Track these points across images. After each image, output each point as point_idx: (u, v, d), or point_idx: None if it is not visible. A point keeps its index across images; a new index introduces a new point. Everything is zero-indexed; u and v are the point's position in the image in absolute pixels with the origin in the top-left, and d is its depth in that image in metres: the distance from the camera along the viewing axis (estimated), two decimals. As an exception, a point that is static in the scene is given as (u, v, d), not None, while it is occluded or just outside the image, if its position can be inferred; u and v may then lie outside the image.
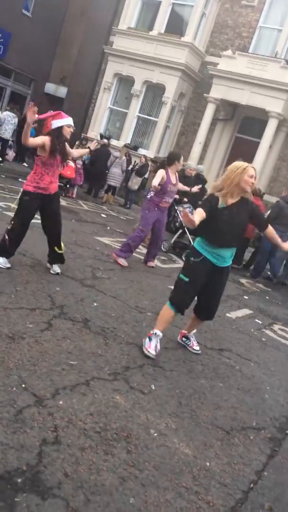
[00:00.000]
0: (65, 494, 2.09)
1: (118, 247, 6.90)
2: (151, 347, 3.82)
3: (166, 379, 3.54)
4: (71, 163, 11.71)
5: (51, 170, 4.69)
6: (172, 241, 9.24)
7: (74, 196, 12.27)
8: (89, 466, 2.32)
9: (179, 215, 8.92)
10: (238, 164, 3.67)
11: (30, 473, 2.14)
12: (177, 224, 9.39)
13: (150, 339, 3.88)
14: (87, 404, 2.83)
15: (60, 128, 4.62)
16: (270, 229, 3.91)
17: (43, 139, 4.55)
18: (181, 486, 2.42)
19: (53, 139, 4.57)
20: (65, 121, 4.63)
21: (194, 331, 4.35)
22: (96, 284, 5.27)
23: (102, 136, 16.64)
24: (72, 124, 4.73)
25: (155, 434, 2.79)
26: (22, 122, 14.87)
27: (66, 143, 4.84)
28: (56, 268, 5.11)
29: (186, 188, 7.32)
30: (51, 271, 5.07)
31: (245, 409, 3.53)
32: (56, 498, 2.06)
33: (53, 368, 3.12)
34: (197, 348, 4.32)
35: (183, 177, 9.53)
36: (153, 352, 3.79)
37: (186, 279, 3.82)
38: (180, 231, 9.19)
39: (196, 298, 4.05)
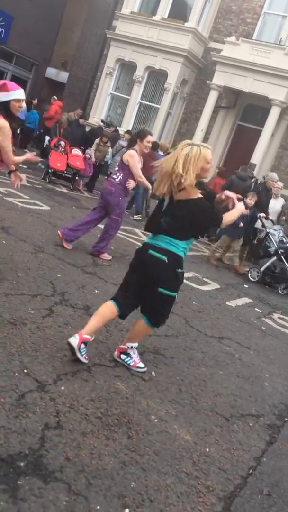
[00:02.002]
0: (67, 478, 2.12)
1: (95, 244, 6.06)
2: (137, 361, 3.39)
3: (166, 366, 3.57)
4: (79, 152, 11.06)
5: None
6: (263, 269, 7.89)
7: (80, 188, 11.57)
8: (91, 450, 2.35)
9: (272, 238, 7.83)
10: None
11: (32, 457, 2.17)
12: (269, 249, 7.94)
13: (128, 355, 3.37)
14: (89, 390, 2.86)
15: (7, 104, 3.71)
16: None
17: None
18: (181, 471, 2.45)
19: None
20: (12, 95, 3.70)
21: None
22: (97, 271, 5.28)
23: (103, 122, 16.53)
24: (23, 97, 3.79)
25: (156, 420, 2.82)
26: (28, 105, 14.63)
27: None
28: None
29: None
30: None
31: (244, 396, 3.56)
32: (58, 481, 2.09)
33: (54, 354, 3.14)
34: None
35: (265, 190, 9.04)
36: (143, 365, 3.39)
37: (176, 294, 3.22)
38: (274, 258, 7.85)
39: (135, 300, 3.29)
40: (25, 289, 4.05)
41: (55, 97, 15.09)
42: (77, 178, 11.19)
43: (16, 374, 2.76)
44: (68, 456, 2.25)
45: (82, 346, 3.08)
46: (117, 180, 5.83)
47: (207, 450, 2.72)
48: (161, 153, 11.08)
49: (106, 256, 6.11)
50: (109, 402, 2.82)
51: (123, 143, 12.92)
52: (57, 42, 19.66)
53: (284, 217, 9.67)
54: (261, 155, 13.79)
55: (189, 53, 15.32)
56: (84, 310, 4.06)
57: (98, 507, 2.03)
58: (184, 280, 6.23)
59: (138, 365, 3.37)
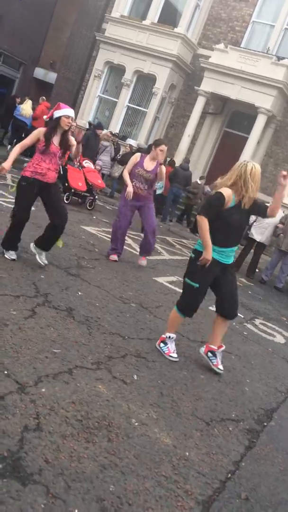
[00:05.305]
0: (46, 481, 2.11)
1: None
2: (171, 350, 3.96)
3: (148, 370, 3.57)
4: (90, 165, 10.37)
5: (48, 157, 4.78)
6: None
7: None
8: (70, 453, 2.34)
9: None
10: (250, 165, 3.84)
11: (11, 459, 2.15)
12: None
13: (165, 344, 3.99)
14: (70, 393, 2.84)
15: (57, 119, 4.72)
16: (270, 207, 3.85)
17: (38, 132, 4.78)
18: (161, 475, 2.46)
19: (48, 129, 4.76)
20: (62, 112, 4.72)
21: (223, 348, 4.06)
22: (81, 273, 5.26)
23: (90, 124, 16.50)
24: (72, 115, 4.78)
25: (136, 424, 2.81)
26: (11, 100, 14.54)
27: (71, 136, 5.04)
28: (44, 260, 4.99)
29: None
30: (40, 262, 4.93)
31: (225, 400, 3.58)
32: (37, 484, 2.07)
33: (36, 355, 3.12)
34: (221, 367, 4.00)
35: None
36: (175, 355, 3.95)
37: (196, 285, 3.76)
38: None
39: (215, 298, 4.01)
40: (8, 289, 4.01)
41: (43, 97, 14.99)
42: (96, 197, 10.32)
43: (-3, 375, 2.73)
44: (47, 459, 2.24)
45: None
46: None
47: (187, 454, 2.73)
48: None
49: (111, 257, 6.43)
50: (90, 405, 2.81)
51: (106, 143, 12.95)
52: (46, 42, 19.60)
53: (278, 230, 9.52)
54: (246, 161, 13.90)
55: (178, 58, 15.42)
56: (67, 312, 4.04)
57: (76, 511, 2.02)
58: (168, 285, 6.32)
59: (170, 354, 3.94)
